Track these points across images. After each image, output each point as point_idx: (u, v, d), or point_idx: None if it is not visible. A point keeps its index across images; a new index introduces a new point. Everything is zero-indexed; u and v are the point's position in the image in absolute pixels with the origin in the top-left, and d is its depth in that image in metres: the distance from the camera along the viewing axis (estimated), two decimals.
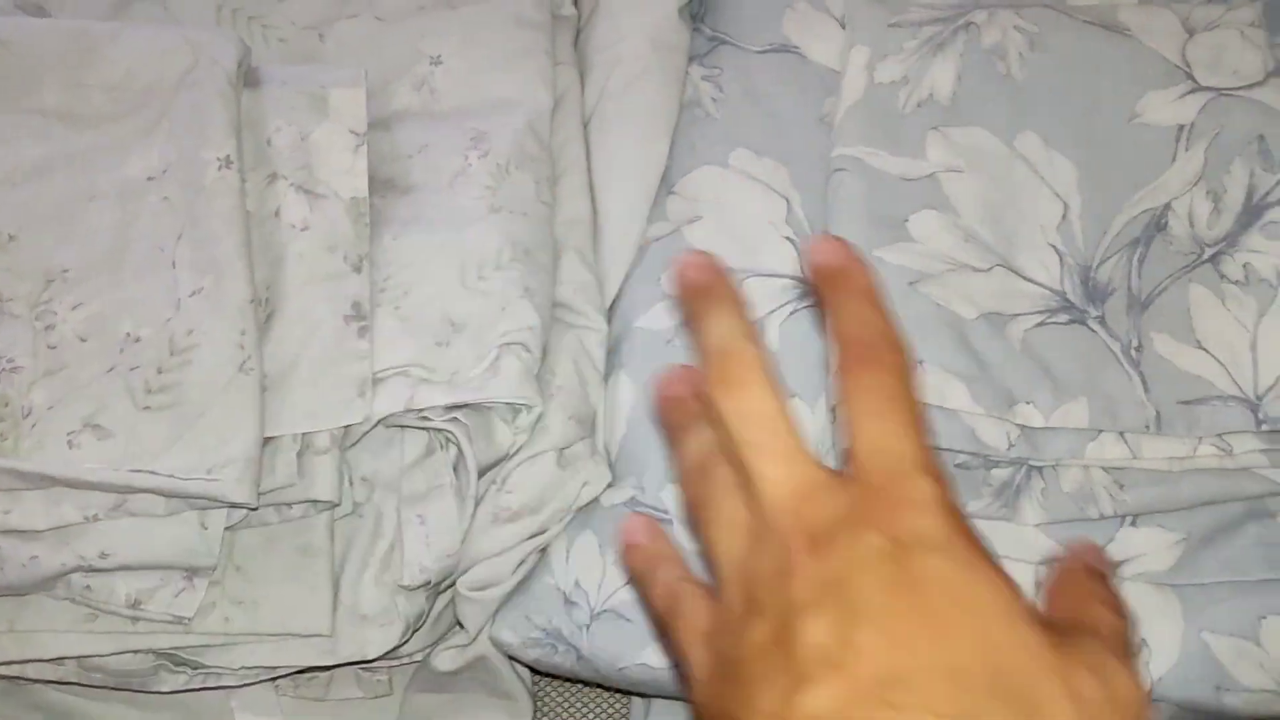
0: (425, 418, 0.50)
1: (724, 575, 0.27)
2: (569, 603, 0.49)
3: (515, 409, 0.51)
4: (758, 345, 0.29)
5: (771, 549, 0.26)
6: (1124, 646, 0.26)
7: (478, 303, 0.52)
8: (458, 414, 0.49)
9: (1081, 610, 0.27)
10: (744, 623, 0.25)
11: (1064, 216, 0.51)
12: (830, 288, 0.29)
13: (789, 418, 0.27)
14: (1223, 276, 0.49)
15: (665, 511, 0.50)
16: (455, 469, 0.50)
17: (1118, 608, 0.27)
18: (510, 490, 0.50)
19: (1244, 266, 0.49)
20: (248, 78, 0.55)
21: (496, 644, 0.50)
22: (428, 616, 0.50)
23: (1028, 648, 0.23)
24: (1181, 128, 0.52)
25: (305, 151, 0.54)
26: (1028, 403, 0.48)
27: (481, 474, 0.50)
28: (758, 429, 0.27)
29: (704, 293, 0.31)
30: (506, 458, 0.51)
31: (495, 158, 0.56)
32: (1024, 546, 0.47)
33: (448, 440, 0.50)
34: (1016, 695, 0.22)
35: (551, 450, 0.51)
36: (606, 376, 0.55)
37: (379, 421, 0.50)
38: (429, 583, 0.49)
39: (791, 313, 0.53)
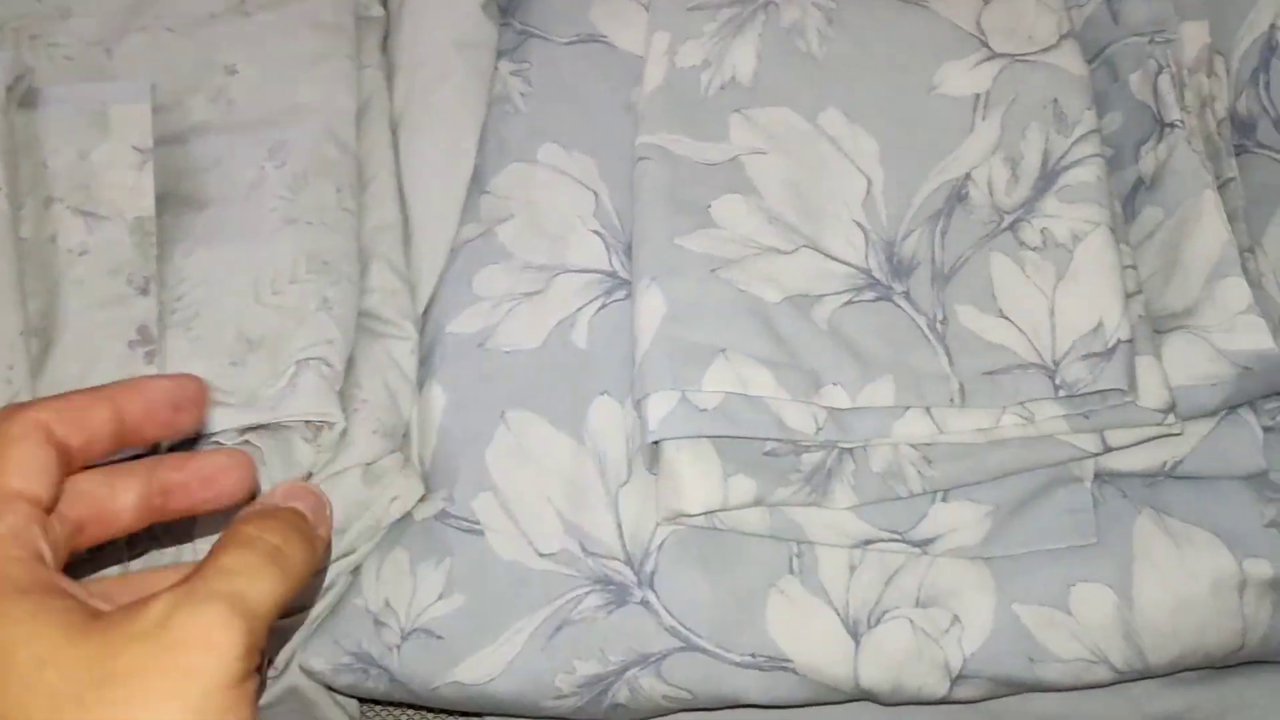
0: (218, 443, 0.48)
1: None
2: (378, 624, 0.47)
3: (317, 426, 0.49)
4: None
5: None
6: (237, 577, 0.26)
7: (273, 318, 0.50)
8: (250, 436, 0.47)
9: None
10: None
11: (868, 192, 0.51)
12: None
13: None
14: (1022, 244, 0.49)
15: (476, 522, 0.49)
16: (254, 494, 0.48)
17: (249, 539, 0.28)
18: None
19: (1042, 232, 0.48)
20: (28, 99, 0.52)
21: (308, 673, 0.48)
22: None
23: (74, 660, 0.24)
24: (978, 96, 0.52)
25: (84, 172, 0.51)
26: (835, 384, 0.47)
27: None
28: None
29: None
30: (308, 477, 0.49)
31: (292, 167, 0.54)
32: (837, 532, 0.46)
33: None
34: None
35: (356, 466, 0.49)
36: (419, 386, 0.53)
37: (170, 449, 0.48)
38: None
39: (600, 308, 0.52)
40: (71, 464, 0.29)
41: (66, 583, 0.27)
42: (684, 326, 0.47)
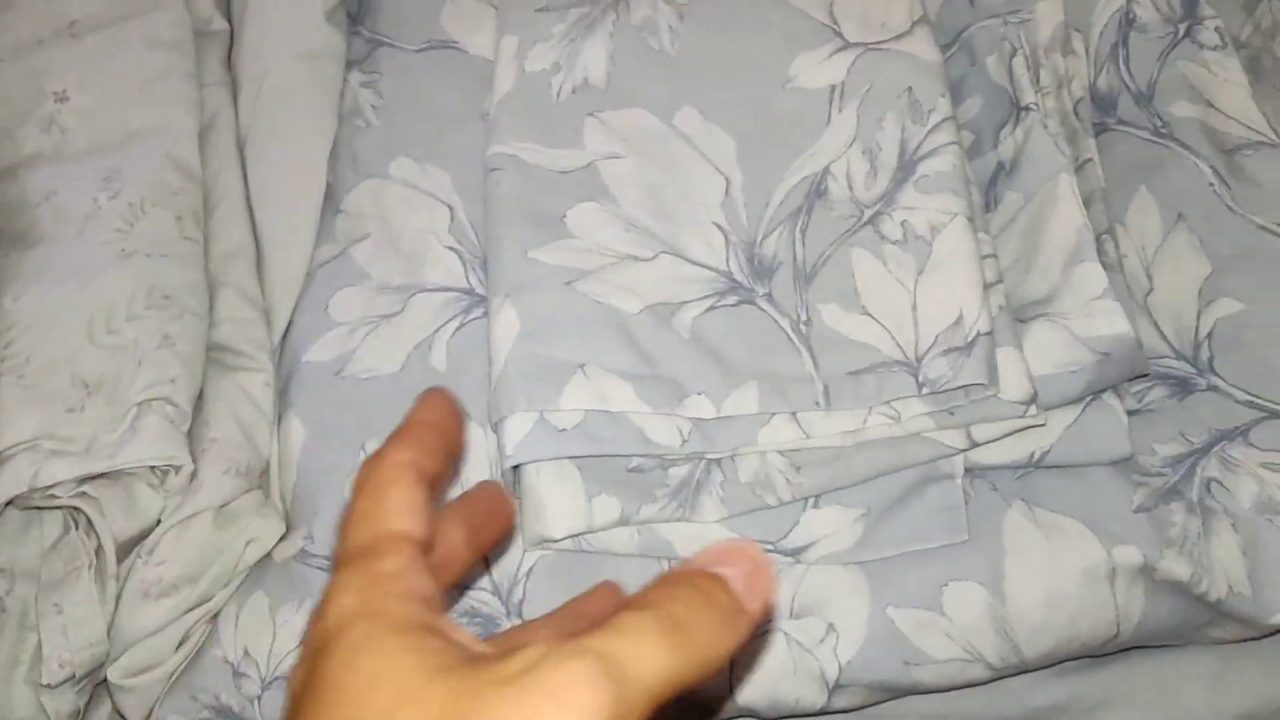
0: (53, 495, 0.45)
1: None
2: (238, 674, 0.45)
3: (163, 471, 0.47)
4: None
5: None
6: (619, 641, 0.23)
7: (111, 359, 0.48)
8: (88, 487, 0.45)
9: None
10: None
11: (726, 193, 0.49)
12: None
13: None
14: (883, 237, 0.47)
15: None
16: (99, 548, 0.46)
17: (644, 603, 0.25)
18: (161, 561, 0.46)
19: (902, 225, 0.47)
20: None
21: None
22: (83, 713, 0.46)
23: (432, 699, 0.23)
24: (834, 88, 0.50)
25: None
26: (699, 394, 0.45)
27: (129, 547, 0.46)
28: None
29: None
30: (157, 525, 0.46)
31: (127, 196, 0.51)
32: (704, 545, 0.45)
33: (83, 517, 0.46)
34: None
35: (208, 510, 0.47)
36: (278, 419, 0.51)
37: (6, 505, 0.45)
38: (74, 676, 0.44)
39: (458, 328, 0.50)
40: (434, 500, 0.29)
41: (448, 626, 0.26)
42: (539, 343, 0.46)
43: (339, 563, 0.27)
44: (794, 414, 0.45)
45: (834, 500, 0.46)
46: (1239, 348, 0.47)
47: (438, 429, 0.30)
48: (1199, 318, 0.48)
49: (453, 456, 0.30)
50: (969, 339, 0.44)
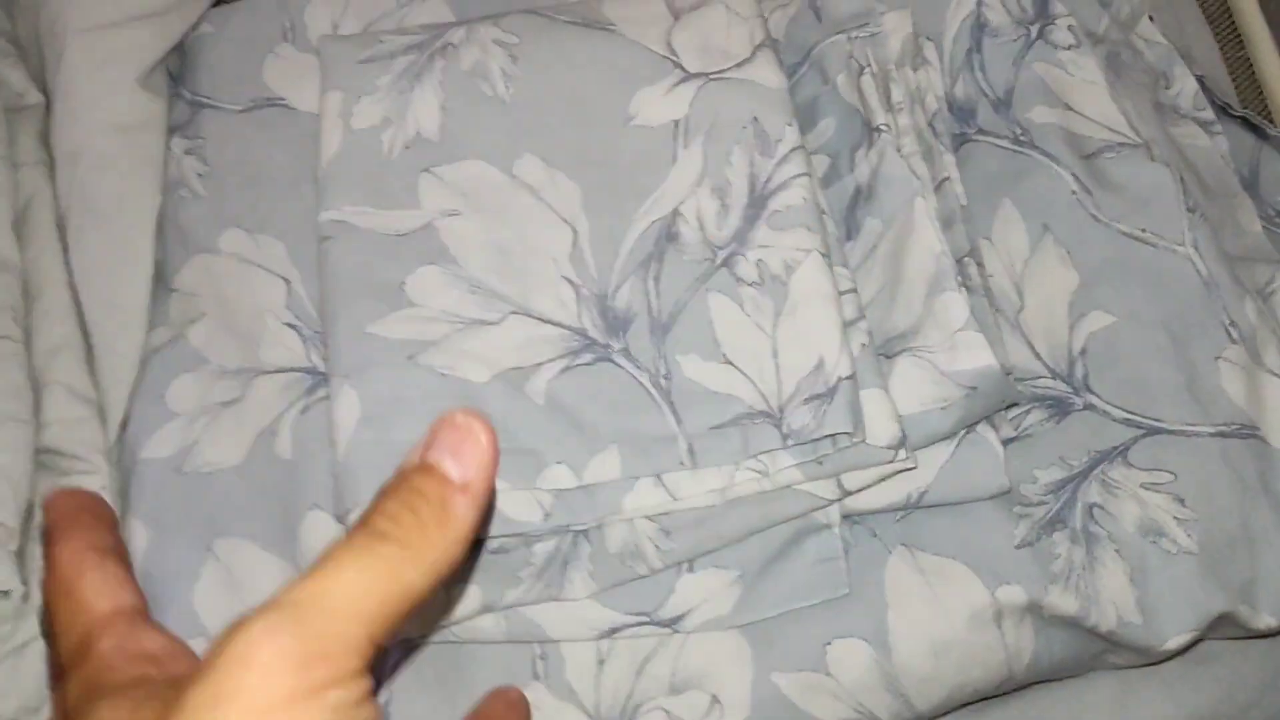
0: None
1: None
2: None
3: None
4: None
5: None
6: None
7: None
8: None
9: None
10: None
11: (574, 244, 0.47)
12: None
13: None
14: (739, 279, 0.45)
15: None
16: None
17: None
18: None
19: (757, 265, 0.45)
20: None
21: None
22: None
23: None
24: (677, 123, 0.48)
25: None
26: (558, 463, 0.43)
27: None
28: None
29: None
30: None
31: None
32: (580, 624, 0.43)
33: None
34: None
35: (42, 637, 0.44)
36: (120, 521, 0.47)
37: None
38: None
39: (303, 410, 0.47)
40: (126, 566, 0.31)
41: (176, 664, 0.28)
42: (382, 428, 0.43)
43: (64, 673, 0.27)
44: (659, 476, 0.43)
45: (709, 563, 0.43)
46: (1113, 363, 0.46)
47: (82, 508, 0.31)
48: (1071, 333, 0.46)
49: (114, 527, 0.31)
50: (831, 385, 0.42)
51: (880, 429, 0.42)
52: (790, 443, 0.42)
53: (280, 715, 0.21)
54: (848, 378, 0.42)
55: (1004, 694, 0.45)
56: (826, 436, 0.41)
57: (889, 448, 0.42)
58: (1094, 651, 0.44)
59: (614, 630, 0.43)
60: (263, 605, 0.22)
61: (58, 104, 0.54)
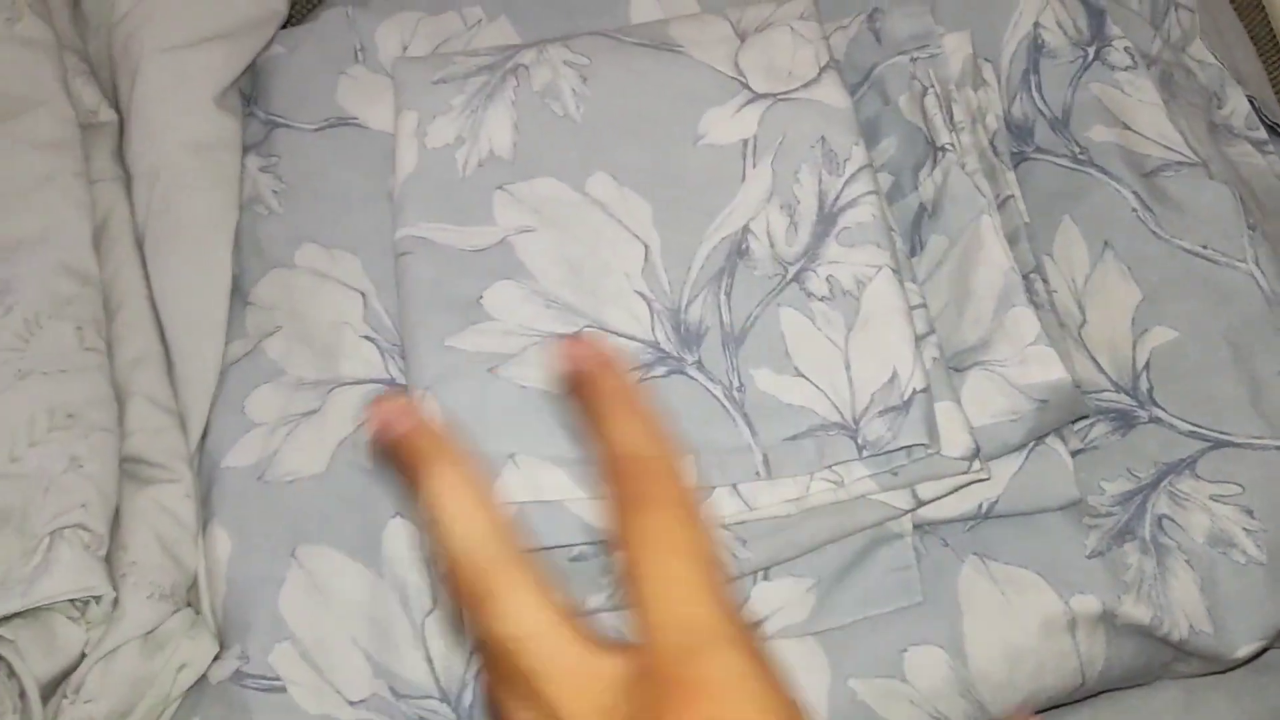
0: None
1: None
2: None
3: (83, 602, 0.44)
4: (502, 540, 0.24)
5: None
6: None
7: (15, 489, 0.45)
8: (2, 628, 0.43)
9: None
10: None
11: (646, 259, 0.48)
12: (586, 399, 0.26)
13: (559, 618, 0.24)
14: (810, 294, 0.46)
15: (276, 678, 0.45)
16: (22, 693, 0.43)
17: None
18: (89, 698, 0.44)
19: (827, 280, 0.46)
20: None
21: None
22: None
23: None
24: (745, 142, 0.49)
25: None
26: None
27: (54, 686, 0.44)
28: (534, 657, 0.24)
29: (416, 460, 0.25)
30: (82, 659, 0.44)
31: (21, 311, 0.49)
32: None
33: (1, 662, 0.43)
34: None
35: (134, 639, 0.45)
36: (203, 528, 0.48)
37: None
38: None
39: None
40: None
41: None
42: (465, 437, 0.44)
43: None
44: (735, 486, 0.44)
45: (784, 572, 0.44)
46: (1177, 377, 0.47)
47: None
48: (1134, 348, 0.47)
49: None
50: (905, 397, 0.43)
51: (954, 440, 0.43)
52: (866, 454, 0.43)
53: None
54: (922, 390, 0.43)
55: (1074, 701, 0.46)
56: (902, 448, 0.42)
57: (963, 458, 0.43)
58: (1163, 660, 0.45)
59: None
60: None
61: (134, 122, 0.55)
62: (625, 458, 0.25)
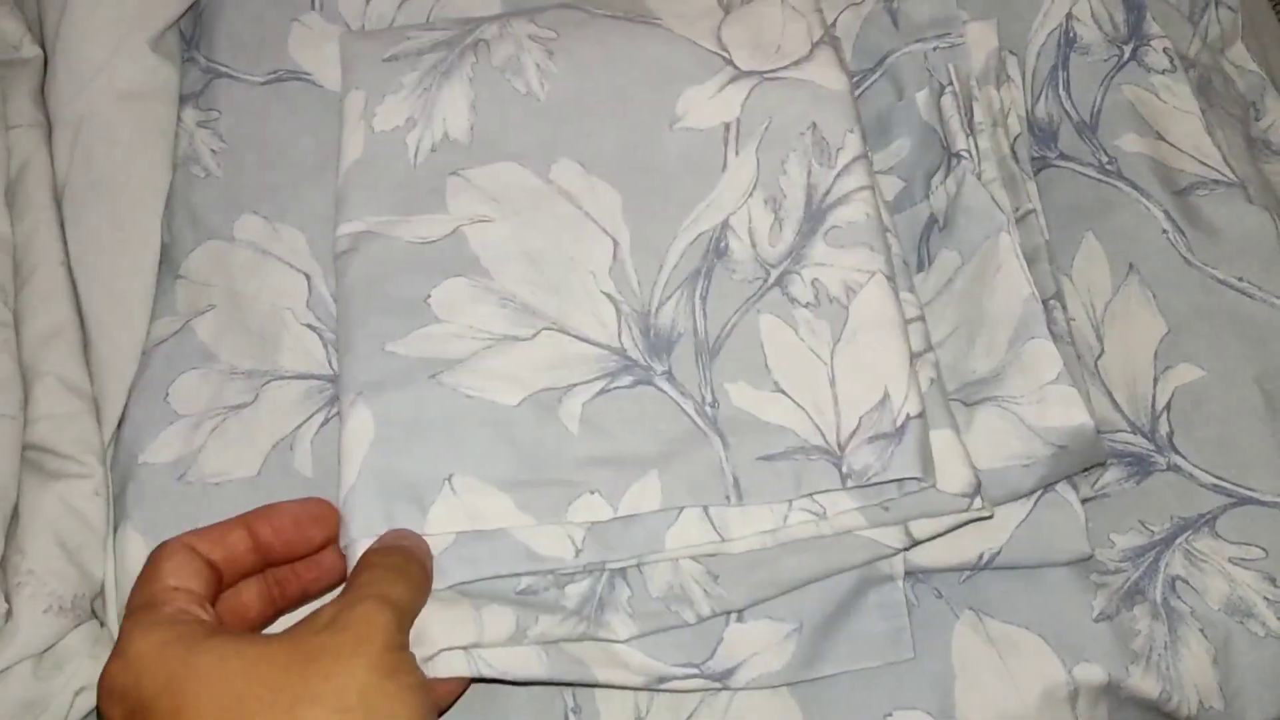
0: None
1: None
2: None
3: None
4: None
5: None
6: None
7: None
8: None
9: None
10: None
11: (614, 256, 0.43)
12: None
13: None
14: (793, 300, 0.41)
15: None
16: None
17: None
18: None
19: (813, 284, 0.41)
20: None
21: None
22: None
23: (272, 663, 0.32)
24: (727, 126, 0.44)
25: None
26: (591, 493, 0.39)
27: None
28: None
29: None
30: None
31: None
32: (625, 669, 0.39)
33: None
34: None
35: (27, 659, 0.40)
36: (114, 530, 0.43)
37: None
38: None
39: (323, 423, 0.43)
40: (221, 578, 0.36)
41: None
42: (397, 453, 0.39)
43: (125, 619, 0.34)
44: (705, 510, 0.39)
45: (761, 613, 0.40)
46: (1201, 421, 0.42)
47: (231, 528, 0.36)
48: (1156, 385, 0.43)
49: (240, 553, 0.36)
50: (898, 423, 0.38)
51: (952, 474, 0.38)
52: (851, 484, 0.38)
53: (395, 656, 0.32)
54: (917, 416, 0.38)
55: None
56: (893, 481, 0.38)
57: (962, 495, 0.38)
58: None
59: (662, 680, 0.39)
60: (348, 596, 0.34)
61: (58, 63, 0.49)
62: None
